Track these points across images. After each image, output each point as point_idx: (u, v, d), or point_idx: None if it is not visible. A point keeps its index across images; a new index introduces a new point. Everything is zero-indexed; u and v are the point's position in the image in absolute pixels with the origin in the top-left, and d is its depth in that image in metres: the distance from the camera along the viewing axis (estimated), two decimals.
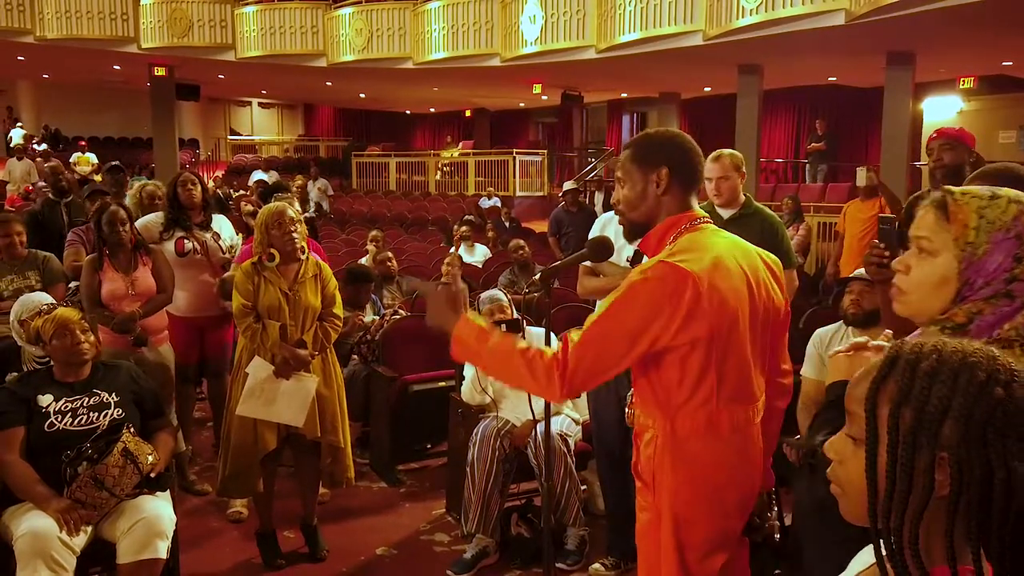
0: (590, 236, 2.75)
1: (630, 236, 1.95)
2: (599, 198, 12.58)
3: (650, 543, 1.89)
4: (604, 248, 2.08)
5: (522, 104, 19.37)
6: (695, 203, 1.87)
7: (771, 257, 1.92)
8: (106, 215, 3.76)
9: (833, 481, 1.00)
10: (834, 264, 7.06)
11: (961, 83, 11.61)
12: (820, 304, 5.63)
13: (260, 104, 23.39)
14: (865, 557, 1.00)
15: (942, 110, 12.50)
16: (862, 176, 6.67)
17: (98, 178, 9.75)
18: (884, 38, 8.86)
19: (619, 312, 1.71)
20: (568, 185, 8.99)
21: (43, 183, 9.61)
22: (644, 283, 1.70)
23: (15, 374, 3.10)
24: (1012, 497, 0.85)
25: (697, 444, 1.78)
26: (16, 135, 16.76)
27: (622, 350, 1.71)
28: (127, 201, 4.77)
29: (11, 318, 3.25)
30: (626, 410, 2.23)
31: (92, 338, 2.94)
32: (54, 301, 3.35)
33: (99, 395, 2.89)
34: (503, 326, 3.55)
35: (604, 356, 1.72)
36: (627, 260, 2.99)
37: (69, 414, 2.81)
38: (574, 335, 1.73)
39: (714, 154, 3.39)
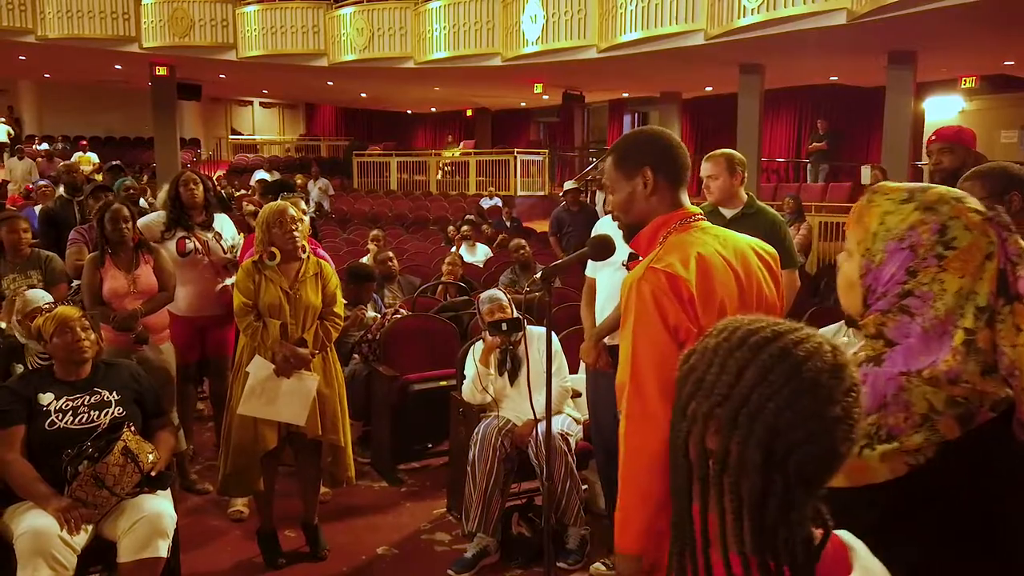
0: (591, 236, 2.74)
1: (628, 239, 1.94)
2: (600, 197, 12.56)
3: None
4: (605, 247, 2.07)
5: (523, 104, 19.38)
6: (686, 199, 1.84)
7: (767, 249, 1.87)
8: (109, 213, 3.76)
9: None
10: None
11: (963, 83, 11.62)
12: (820, 304, 5.62)
13: (261, 104, 23.40)
14: None
15: (944, 110, 12.50)
16: (867, 174, 6.67)
17: (99, 177, 9.77)
18: (885, 37, 8.86)
19: (642, 328, 1.68)
20: (569, 185, 8.97)
21: (43, 181, 9.64)
22: (641, 296, 1.68)
23: (20, 367, 3.11)
24: (742, 468, 0.86)
25: None
26: None
27: (671, 350, 1.65)
28: (160, 198, 4.75)
29: (12, 316, 3.27)
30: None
31: (93, 336, 2.93)
32: (52, 299, 3.36)
33: (100, 393, 2.89)
34: (503, 325, 3.59)
35: (663, 367, 1.65)
36: (623, 264, 2.98)
37: (70, 412, 2.81)
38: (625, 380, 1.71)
39: (708, 155, 3.43)
